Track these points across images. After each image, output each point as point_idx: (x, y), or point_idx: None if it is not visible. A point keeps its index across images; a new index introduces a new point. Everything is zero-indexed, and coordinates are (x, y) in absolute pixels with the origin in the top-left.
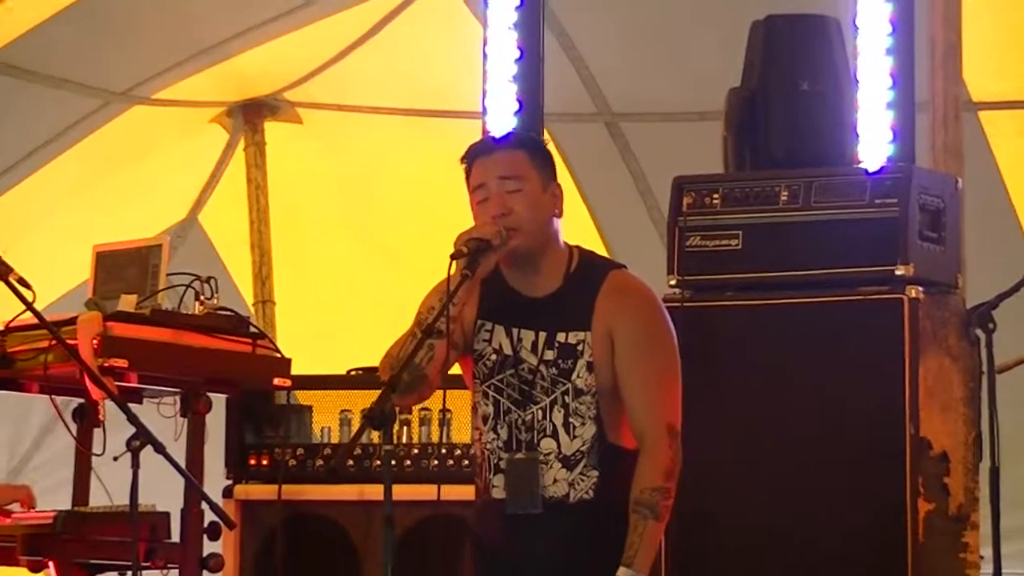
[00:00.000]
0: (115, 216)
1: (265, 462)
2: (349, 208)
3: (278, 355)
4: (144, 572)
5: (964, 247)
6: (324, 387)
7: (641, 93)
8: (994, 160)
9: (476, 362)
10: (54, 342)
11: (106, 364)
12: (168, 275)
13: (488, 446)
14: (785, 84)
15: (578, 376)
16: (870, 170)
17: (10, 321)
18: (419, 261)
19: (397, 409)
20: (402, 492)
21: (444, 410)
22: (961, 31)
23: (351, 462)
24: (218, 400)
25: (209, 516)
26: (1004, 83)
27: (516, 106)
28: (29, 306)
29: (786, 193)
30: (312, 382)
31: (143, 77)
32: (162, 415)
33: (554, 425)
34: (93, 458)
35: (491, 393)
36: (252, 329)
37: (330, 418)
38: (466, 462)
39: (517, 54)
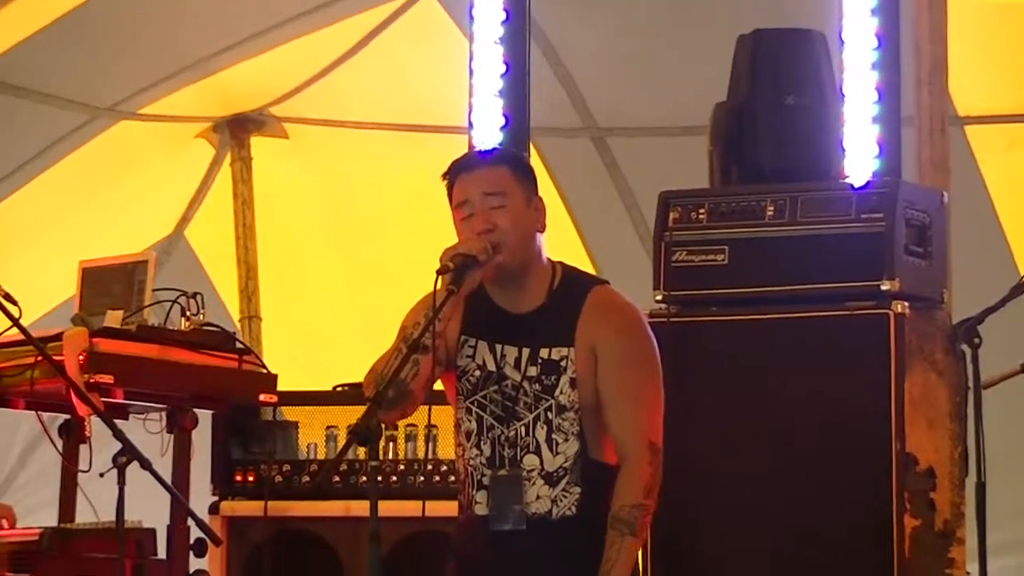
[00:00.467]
0: (101, 232)
1: (251, 478)
2: (336, 223)
3: (264, 371)
4: None
5: (950, 262)
6: (310, 403)
7: (627, 108)
8: (980, 175)
9: (459, 378)
10: (40, 358)
11: (92, 380)
12: (154, 291)
13: (471, 462)
14: (771, 98)
15: (561, 392)
16: (856, 185)
17: None
18: (405, 277)
19: (383, 425)
20: (388, 508)
21: (430, 426)
22: (947, 45)
23: (337, 478)
24: (204, 416)
25: (195, 532)
26: (990, 97)
27: (502, 121)
28: (15, 322)
29: (772, 208)
30: (298, 398)
31: (129, 92)
32: (148, 431)
33: (537, 441)
34: (79, 474)
35: (474, 409)
36: (238, 345)
37: (316, 434)
38: (452, 478)
39: (503, 69)
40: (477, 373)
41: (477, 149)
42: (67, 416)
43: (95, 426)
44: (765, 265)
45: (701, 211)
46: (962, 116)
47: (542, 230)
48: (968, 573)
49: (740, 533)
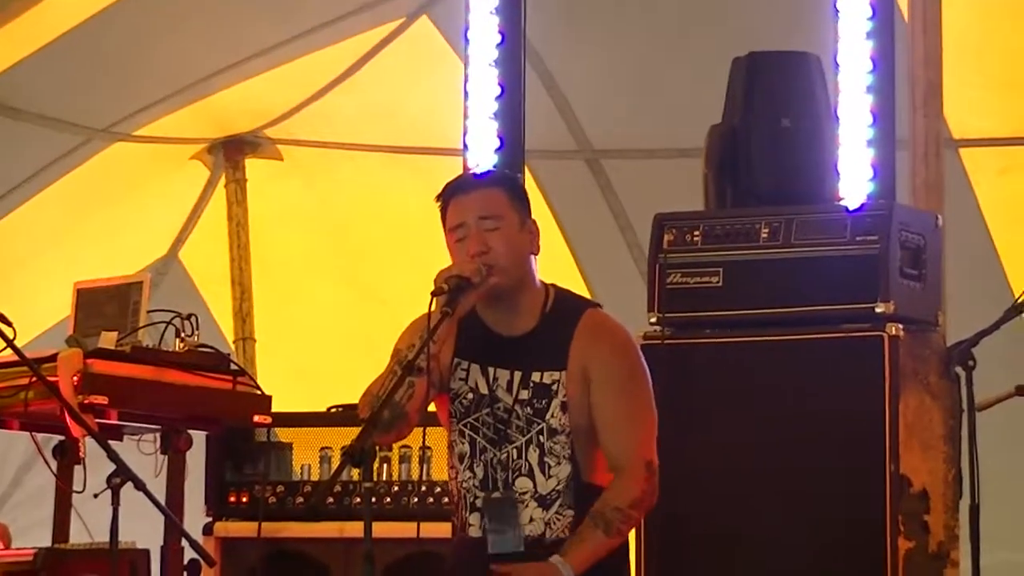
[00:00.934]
0: (95, 253)
1: (245, 499)
2: (330, 245)
3: (258, 392)
4: None
5: (945, 284)
6: (304, 424)
7: (622, 130)
8: (975, 197)
9: (452, 401)
10: (34, 379)
11: (86, 401)
12: (148, 312)
13: (464, 484)
14: (766, 121)
15: (552, 416)
16: (851, 207)
17: None
18: (400, 298)
19: (377, 447)
20: (382, 529)
21: (424, 447)
22: (942, 68)
23: (331, 499)
24: (198, 437)
25: (189, 553)
26: (984, 120)
27: (497, 143)
28: (9, 343)
29: (767, 230)
30: (292, 419)
31: (124, 114)
32: (142, 452)
33: (530, 464)
34: (73, 495)
35: (467, 432)
36: (232, 366)
37: (310, 455)
38: (446, 499)
39: (498, 91)
40: (470, 396)
41: (471, 171)
42: (61, 437)
43: (89, 447)
44: (760, 287)
45: (696, 233)
46: (957, 139)
47: (536, 253)
48: None
49: (735, 553)
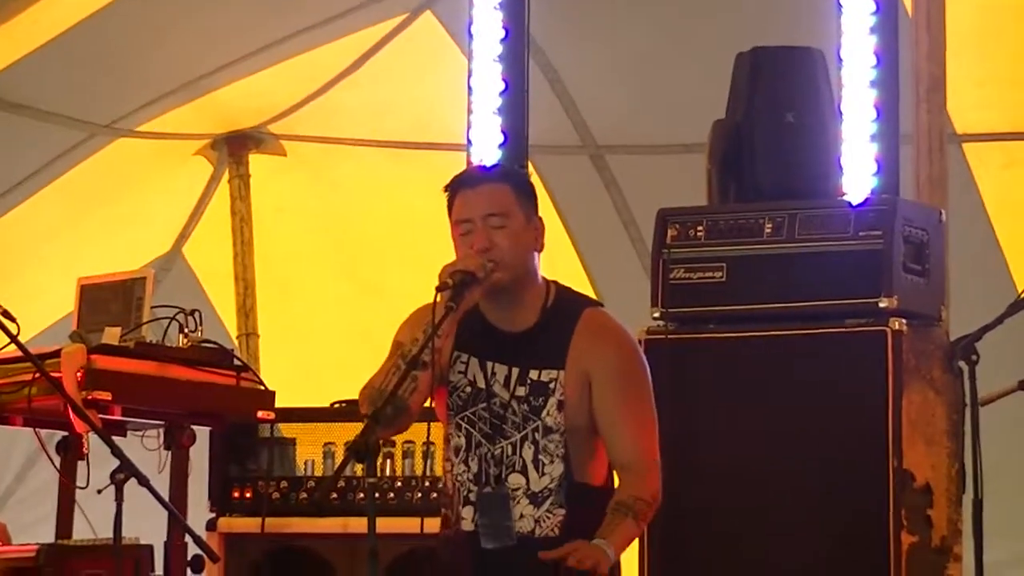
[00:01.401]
0: (99, 249)
1: (249, 495)
2: (334, 240)
3: (262, 388)
4: None
5: (948, 279)
6: (308, 420)
7: (626, 125)
8: (978, 192)
9: (451, 393)
10: (38, 375)
11: (90, 397)
12: (152, 308)
13: (459, 478)
14: (770, 116)
15: (548, 414)
16: (854, 202)
17: None
18: (403, 294)
19: (381, 442)
20: (386, 525)
21: (427, 443)
22: (945, 63)
23: (335, 495)
24: (202, 433)
25: (193, 549)
26: (988, 115)
27: (501, 138)
28: (13, 339)
29: (770, 225)
30: (296, 415)
31: (127, 110)
32: (146, 448)
33: (524, 461)
34: (77, 491)
35: (464, 425)
36: (236, 362)
37: (314, 451)
38: None
39: (502, 86)
40: (468, 389)
41: (480, 164)
42: (65, 433)
43: (93, 443)
44: (763, 282)
45: (699, 228)
46: (960, 134)
47: (540, 250)
48: None
49: (739, 547)
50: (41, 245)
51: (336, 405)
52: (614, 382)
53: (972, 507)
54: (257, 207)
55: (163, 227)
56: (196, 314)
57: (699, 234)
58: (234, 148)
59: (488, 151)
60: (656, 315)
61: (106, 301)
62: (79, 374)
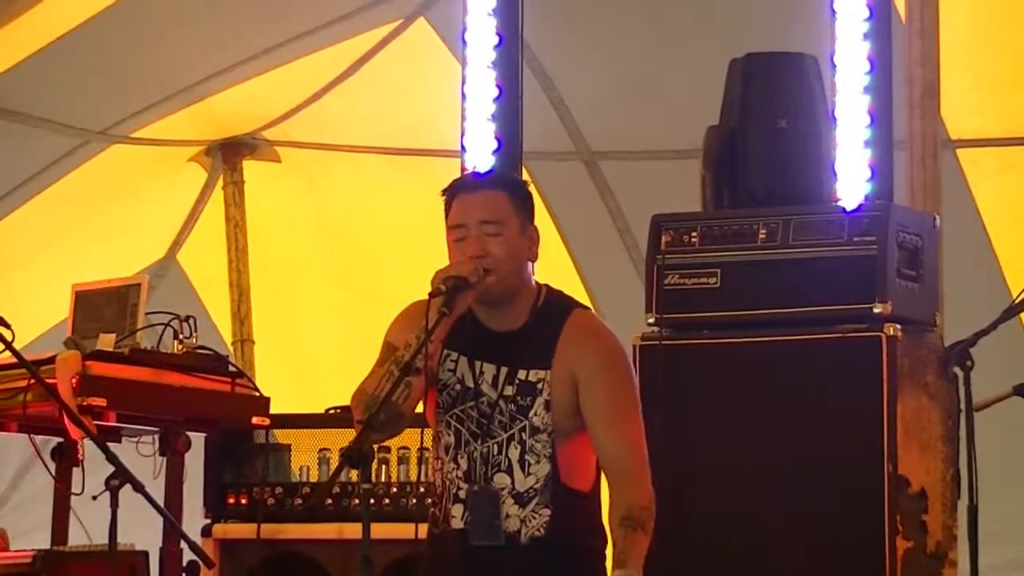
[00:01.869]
0: (94, 255)
1: (244, 501)
2: (328, 247)
3: (257, 394)
4: None
5: (942, 285)
6: (303, 426)
7: (619, 131)
8: (972, 198)
9: (440, 392)
10: (33, 381)
11: (85, 403)
12: (147, 314)
13: (449, 476)
14: (764, 122)
15: (535, 414)
16: (848, 208)
17: None
18: (398, 299)
19: (375, 448)
20: (381, 531)
21: (422, 448)
22: (939, 69)
23: (329, 501)
24: (197, 439)
25: (188, 555)
26: (982, 120)
27: (494, 144)
28: (8, 345)
29: (764, 231)
30: (291, 421)
31: (122, 116)
32: (141, 454)
33: (510, 461)
34: (72, 497)
35: (453, 423)
36: (231, 368)
37: (309, 457)
38: None
39: (495, 93)
40: (457, 387)
41: (479, 170)
42: (60, 439)
43: (88, 449)
44: (757, 288)
45: (693, 234)
46: (954, 139)
47: (534, 259)
48: None
49: (733, 553)
50: (35, 251)
51: (331, 411)
52: (600, 383)
53: (967, 512)
54: (252, 213)
55: (158, 233)
56: (191, 320)
57: (693, 240)
58: (228, 154)
59: (482, 157)
60: (651, 321)
61: (101, 307)
62: (74, 380)
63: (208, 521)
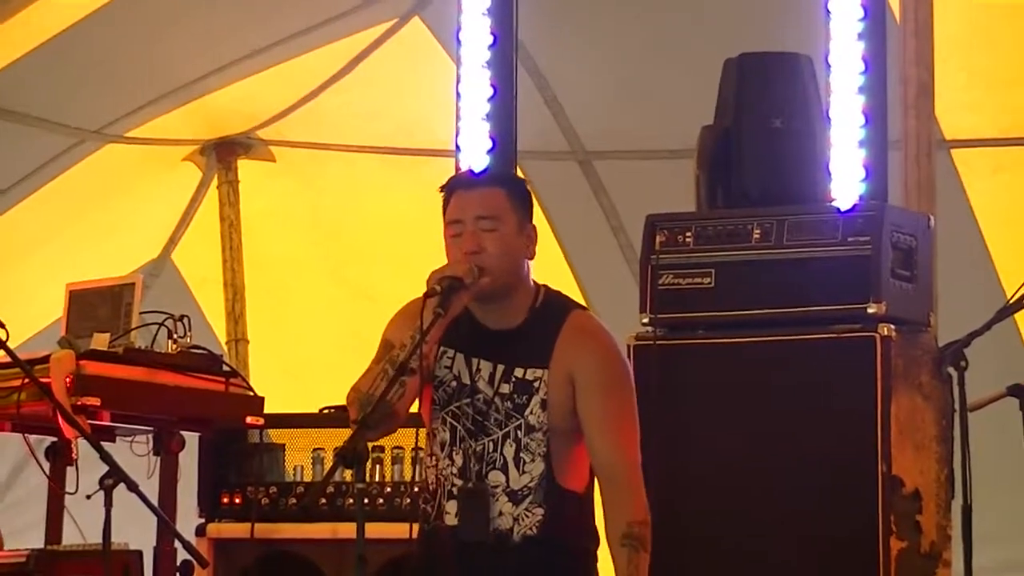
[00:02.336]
0: (88, 254)
1: (238, 500)
2: (323, 246)
3: (251, 393)
4: None
5: (936, 285)
6: (297, 425)
7: (614, 131)
8: (966, 198)
9: (436, 388)
10: (27, 380)
11: (79, 403)
12: (141, 313)
13: (443, 472)
14: (758, 122)
15: (531, 412)
16: (842, 208)
17: None
18: (393, 299)
19: (370, 447)
20: (375, 530)
21: (416, 448)
22: (933, 69)
23: (324, 500)
24: (191, 438)
25: (182, 554)
26: (976, 121)
27: (489, 144)
28: (2, 344)
29: (759, 231)
30: (285, 420)
31: (116, 115)
32: (135, 453)
33: (504, 458)
34: (66, 496)
35: (449, 419)
36: (225, 367)
37: (303, 456)
38: None
39: (490, 92)
40: (453, 384)
41: (479, 168)
42: (54, 438)
43: (82, 448)
44: (751, 288)
45: (688, 234)
46: (948, 140)
47: (531, 257)
48: None
49: (727, 553)
50: (30, 251)
51: (325, 411)
52: (597, 385)
53: (961, 513)
54: (246, 212)
55: (152, 233)
56: (185, 320)
57: (687, 240)
58: (223, 154)
59: (476, 157)
60: (645, 321)
61: (95, 307)
62: (68, 380)
63: (202, 520)
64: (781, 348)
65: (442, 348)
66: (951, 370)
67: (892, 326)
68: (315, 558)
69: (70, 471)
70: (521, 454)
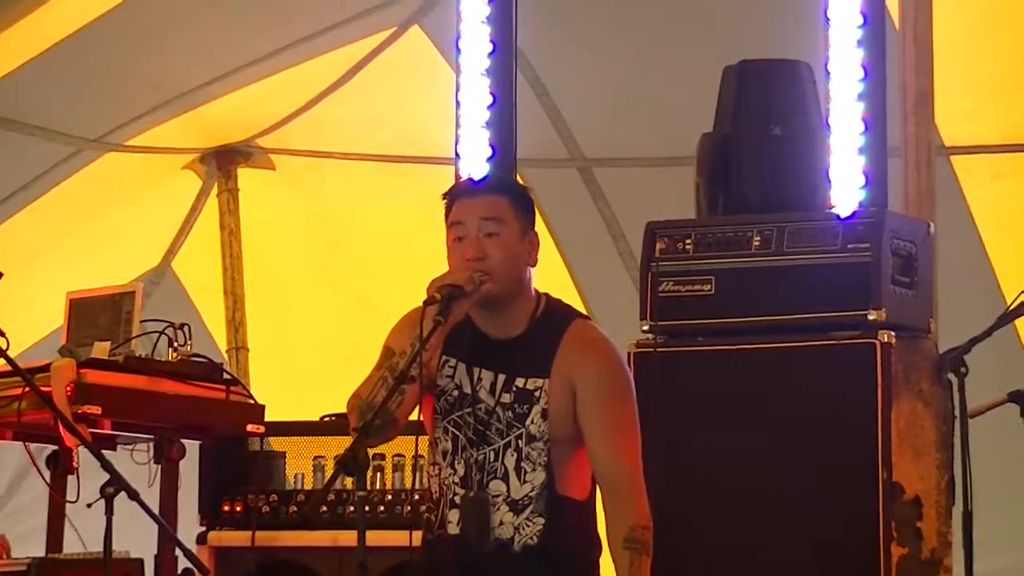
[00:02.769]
0: (88, 263)
1: (239, 508)
2: (322, 254)
3: (251, 401)
4: None
5: (936, 291)
6: (297, 433)
7: (613, 138)
8: (966, 204)
9: (438, 398)
10: (28, 389)
11: (80, 411)
12: (141, 322)
13: (446, 481)
14: (757, 129)
15: (532, 422)
16: (842, 215)
17: None
18: (393, 306)
19: (371, 455)
20: (376, 538)
21: (417, 456)
22: (933, 76)
23: (324, 508)
24: (191, 447)
25: (183, 563)
26: (976, 127)
27: (489, 152)
28: (2, 353)
29: (758, 238)
30: (285, 428)
31: (116, 124)
32: (136, 462)
33: (506, 468)
34: (67, 505)
35: (451, 429)
36: (225, 375)
37: (303, 464)
38: None
39: (490, 100)
40: (455, 393)
41: (482, 175)
42: (55, 447)
43: (83, 457)
44: (751, 295)
45: (687, 241)
46: (948, 146)
47: (533, 265)
48: None
49: (728, 559)
50: (30, 259)
51: (326, 418)
52: (598, 394)
53: (962, 519)
54: (246, 221)
55: (152, 241)
56: (185, 328)
57: (687, 247)
58: (223, 162)
59: (476, 164)
60: (645, 328)
61: (95, 315)
62: (69, 388)
63: (203, 529)
64: (781, 355)
65: (444, 357)
66: (951, 376)
67: (892, 333)
68: (316, 566)
69: (71, 479)
70: (522, 463)
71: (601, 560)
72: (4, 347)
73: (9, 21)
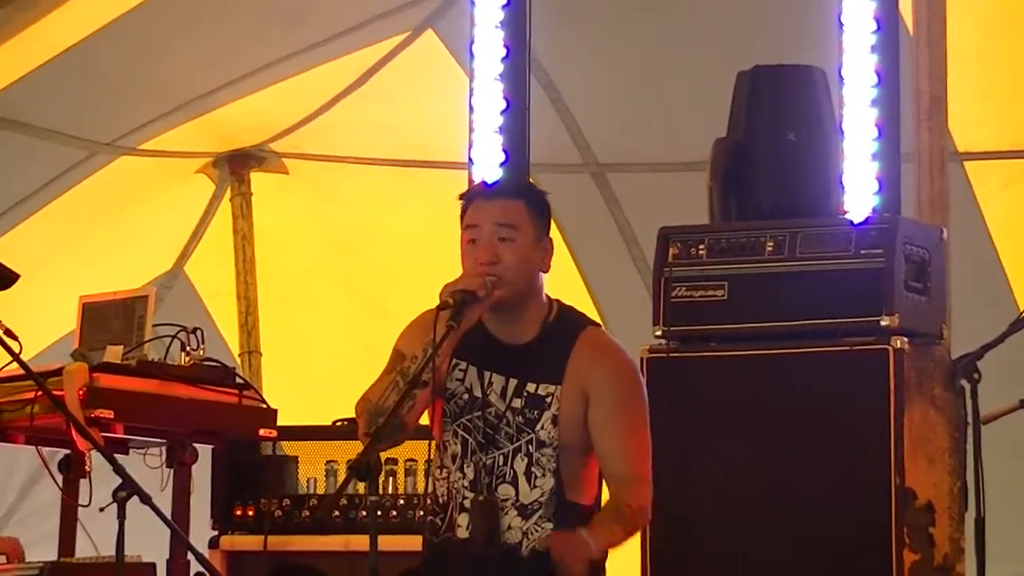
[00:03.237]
0: (101, 267)
1: (251, 513)
2: (335, 258)
3: (264, 406)
4: None
5: (949, 297)
6: (310, 438)
7: (627, 144)
8: (979, 210)
9: (448, 401)
10: (40, 393)
11: (92, 415)
12: (154, 326)
13: (455, 485)
14: (771, 134)
15: (542, 428)
16: (856, 221)
17: None
18: (405, 312)
19: (383, 460)
20: (388, 543)
21: (429, 460)
22: (946, 82)
23: (337, 513)
24: (204, 451)
25: (195, 567)
26: (989, 133)
27: (502, 157)
28: (15, 357)
29: (772, 244)
30: (298, 433)
31: (129, 128)
32: (148, 466)
33: (515, 472)
34: (79, 509)
35: (460, 432)
36: (238, 380)
37: (316, 469)
38: None
39: (503, 105)
40: (465, 396)
41: (499, 178)
42: (67, 451)
43: (95, 461)
44: (764, 301)
45: (701, 247)
46: (961, 152)
47: (546, 270)
48: None
49: (739, 566)
50: (43, 263)
51: (338, 423)
52: (612, 400)
53: (974, 525)
54: (259, 225)
55: (165, 245)
56: (198, 332)
57: (700, 253)
58: (236, 166)
59: (489, 169)
60: (658, 333)
61: (108, 319)
62: (81, 392)
63: (215, 533)
64: (794, 360)
65: (454, 360)
66: (964, 382)
67: (905, 338)
68: (328, 571)
69: (83, 483)
70: (532, 469)
71: (607, 564)
72: (17, 351)
73: (23, 25)
